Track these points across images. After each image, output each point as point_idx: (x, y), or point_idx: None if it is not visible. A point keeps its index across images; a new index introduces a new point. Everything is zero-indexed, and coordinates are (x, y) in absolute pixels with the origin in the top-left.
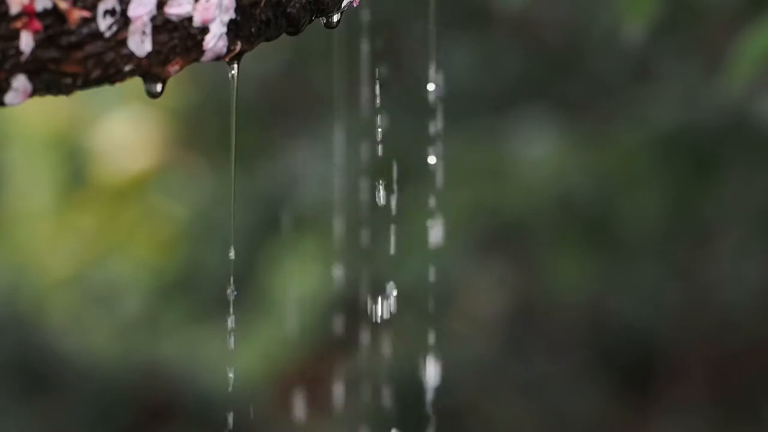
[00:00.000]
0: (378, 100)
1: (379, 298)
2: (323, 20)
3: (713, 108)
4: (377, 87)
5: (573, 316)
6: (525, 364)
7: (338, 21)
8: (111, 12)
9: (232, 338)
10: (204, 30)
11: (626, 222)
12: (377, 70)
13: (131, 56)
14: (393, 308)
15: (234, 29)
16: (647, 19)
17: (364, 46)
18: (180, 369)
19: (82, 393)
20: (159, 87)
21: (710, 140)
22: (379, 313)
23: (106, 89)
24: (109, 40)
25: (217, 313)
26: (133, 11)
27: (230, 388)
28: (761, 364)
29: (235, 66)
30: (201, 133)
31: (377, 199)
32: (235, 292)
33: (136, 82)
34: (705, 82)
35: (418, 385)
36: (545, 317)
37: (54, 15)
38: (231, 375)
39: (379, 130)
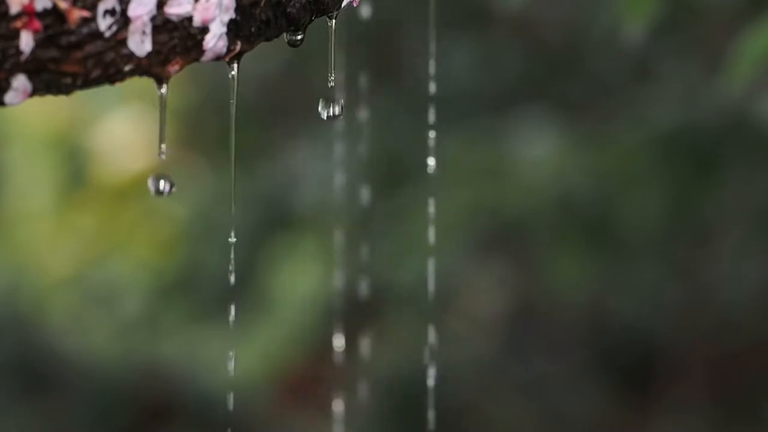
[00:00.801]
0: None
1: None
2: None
3: (713, 108)
4: (377, 87)
5: (573, 316)
6: (525, 364)
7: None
8: (111, 12)
9: (232, 339)
10: (204, 30)
11: (626, 222)
12: (377, 70)
13: (131, 56)
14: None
15: (234, 29)
16: (647, 19)
17: (364, 46)
18: (180, 369)
19: (82, 393)
20: (166, 186)
21: (710, 140)
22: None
23: (106, 89)
24: (109, 40)
25: (217, 313)
26: (133, 11)
27: (230, 388)
28: (761, 364)
29: (235, 66)
30: (201, 133)
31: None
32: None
33: (136, 82)
34: (705, 82)
35: (418, 385)
36: (545, 317)
37: (54, 15)
38: (231, 375)
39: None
